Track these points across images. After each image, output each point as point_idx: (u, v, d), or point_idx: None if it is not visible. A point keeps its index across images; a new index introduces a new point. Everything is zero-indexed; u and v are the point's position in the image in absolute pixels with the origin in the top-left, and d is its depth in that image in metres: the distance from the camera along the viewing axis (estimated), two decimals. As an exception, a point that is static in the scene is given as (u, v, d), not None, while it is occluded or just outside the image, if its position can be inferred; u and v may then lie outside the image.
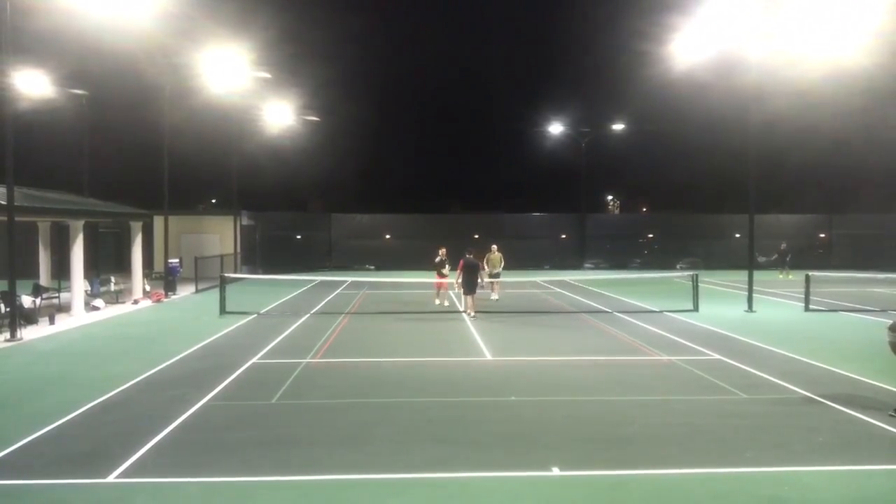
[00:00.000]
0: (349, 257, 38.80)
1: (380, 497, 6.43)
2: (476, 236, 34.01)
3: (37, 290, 18.98)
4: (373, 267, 37.11)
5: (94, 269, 24.26)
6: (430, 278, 21.80)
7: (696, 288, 20.15)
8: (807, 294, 20.07)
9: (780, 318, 18.53)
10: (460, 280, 18.67)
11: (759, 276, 23.58)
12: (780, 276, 32.26)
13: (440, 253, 21.12)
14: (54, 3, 19.33)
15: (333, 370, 11.93)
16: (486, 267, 21.60)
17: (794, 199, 46.66)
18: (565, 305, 21.56)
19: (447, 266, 20.98)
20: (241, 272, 30.73)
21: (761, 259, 34.67)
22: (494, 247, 22.65)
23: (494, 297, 21.80)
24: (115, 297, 21.99)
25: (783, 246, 33.91)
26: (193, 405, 9.37)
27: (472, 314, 18.41)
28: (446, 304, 20.71)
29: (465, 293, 18.77)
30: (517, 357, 13.07)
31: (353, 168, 57.94)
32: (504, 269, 22.87)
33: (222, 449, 7.67)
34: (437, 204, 55.97)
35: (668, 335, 15.47)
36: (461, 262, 18.80)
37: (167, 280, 24.61)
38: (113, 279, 23.81)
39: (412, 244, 37.04)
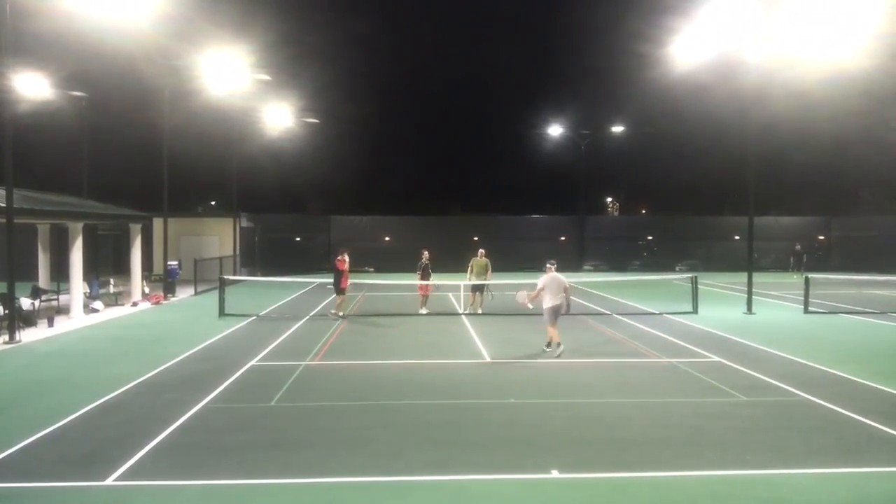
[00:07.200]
0: (349, 259, 38.66)
1: (378, 500, 6.43)
2: (475, 238, 33.97)
3: (36, 293, 18.99)
4: (372, 269, 37.09)
5: (94, 272, 24.21)
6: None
7: (695, 290, 20.15)
8: (806, 296, 20.07)
9: (779, 321, 18.52)
10: (343, 283, 19.35)
11: (758, 278, 23.60)
12: (795, 277, 32.65)
13: (423, 256, 20.25)
14: (54, 5, 19.34)
15: (332, 372, 11.92)
16: (469, 275, 19.66)
17: (794, 201, 46.65)
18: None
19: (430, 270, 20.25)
20: (240, 274, 30.74)
21: (797, 248, 36.19)
22: (482, 251, 19.94)
23: (479, 310, 19.47)
24: (115, 300, 21.98)
25: (798, 247, 36.29)
26: (192, 407, 9.36)
27: (340, 314, 19.08)
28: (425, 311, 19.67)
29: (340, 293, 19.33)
30: (516, 359, 13.06)
31: (353, 170, 57.93)
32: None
33: (221, 451, 7.66)
34: (437, 206, 55.90)
35: (667, 337, 15.46)
36: (342, 263, 19.42)
37: (166, 282, 24.59)
38: (112, 281, 23.79)
39: (412, 246, 36.95)
